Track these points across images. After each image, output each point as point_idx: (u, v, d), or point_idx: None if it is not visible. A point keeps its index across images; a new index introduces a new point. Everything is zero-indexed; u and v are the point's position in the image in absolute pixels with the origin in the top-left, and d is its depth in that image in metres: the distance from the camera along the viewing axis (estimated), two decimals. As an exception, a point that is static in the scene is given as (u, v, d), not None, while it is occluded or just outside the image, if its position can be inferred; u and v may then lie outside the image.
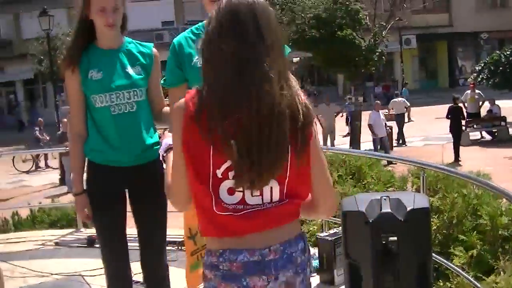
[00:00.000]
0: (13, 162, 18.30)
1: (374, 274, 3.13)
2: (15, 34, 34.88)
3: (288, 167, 1.76)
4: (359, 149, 17.98)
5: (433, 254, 3.95)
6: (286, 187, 1.79)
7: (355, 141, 18.13)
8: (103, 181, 2.96)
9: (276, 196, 1.79)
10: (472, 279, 3.40)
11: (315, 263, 4.56)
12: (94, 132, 2.95)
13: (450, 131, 16.38)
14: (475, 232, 4.26)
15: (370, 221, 3.09)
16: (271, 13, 1.80)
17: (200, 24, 3.01)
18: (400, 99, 20.68)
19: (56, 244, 5.86)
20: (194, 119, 1.73)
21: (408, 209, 3.08)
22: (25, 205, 10.18)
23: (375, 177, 5.78)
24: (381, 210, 3.11)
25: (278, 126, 1.70)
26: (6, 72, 34.43)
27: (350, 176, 5.91)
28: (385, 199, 3.21)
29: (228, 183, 1.76)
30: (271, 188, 1.78)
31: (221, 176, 1.75)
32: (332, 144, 18.45)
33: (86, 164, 3.02)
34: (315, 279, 4.43)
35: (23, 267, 5.10)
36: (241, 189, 1.76)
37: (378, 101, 18.74)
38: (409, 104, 21.65)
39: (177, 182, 1.87)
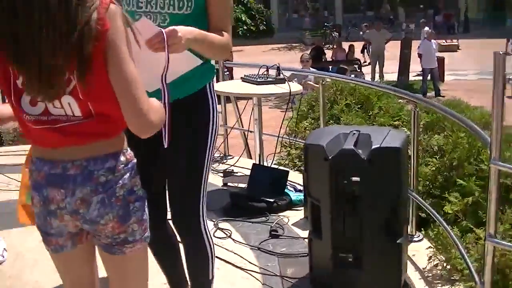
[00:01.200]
0: None
1: (332, 217, 2.80)
2: None
3: (77, 83, 1.68)
4: (408, 79, 17.36)
5: (419, 198, 3.57)
6: (90, 105, 1.73)
7: (404, 70, 17.45)
8: None
9: (77, 111, 1.75)
10: (450, 231, 2.99)
11: (301, 196, 4.28)
12: None
13: None
14: (475, 178, 3.79)
15: (330, 157, 2.73)
16: None
17: None
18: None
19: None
20: None
21: (373, 147, 2.70)
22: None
23: (384, 108, 5.32)
24: (343, 146, 2.74)
25: (46, 42, 1.62)
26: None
27: (359, 106, 5.48)
28: (354, 133, 2.84)
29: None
30: (69, 103, 1.73)
31: (21, 87, 1.73)
32: (381, 70, 17.90)
33: None
34: (300, 213, 4.16)
35: (19, 181, 5.01)
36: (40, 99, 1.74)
37: (428, 29, 17.73)
38: None
39: None
